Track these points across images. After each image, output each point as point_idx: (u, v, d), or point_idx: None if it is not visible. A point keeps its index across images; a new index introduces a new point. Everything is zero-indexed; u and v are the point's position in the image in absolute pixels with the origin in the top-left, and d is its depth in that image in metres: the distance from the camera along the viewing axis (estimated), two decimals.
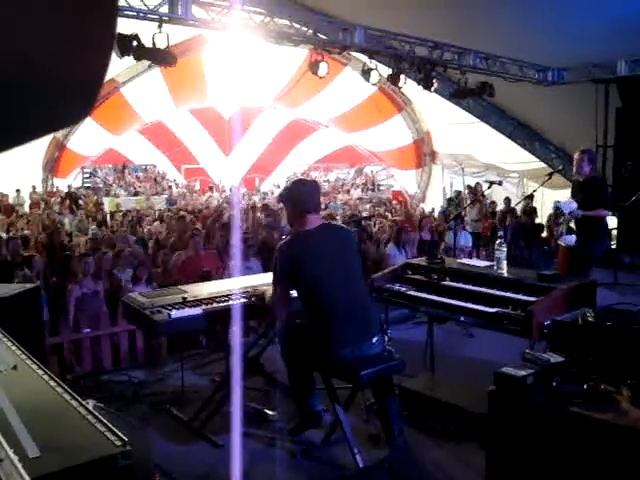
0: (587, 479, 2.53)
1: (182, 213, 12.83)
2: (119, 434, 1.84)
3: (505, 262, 4.66)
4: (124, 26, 7.94)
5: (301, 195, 4.02)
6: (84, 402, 2.11)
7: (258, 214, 12.89)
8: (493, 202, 14.29)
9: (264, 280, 4.74)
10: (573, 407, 2.58)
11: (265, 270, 6.78)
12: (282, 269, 3.95)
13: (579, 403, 2.60)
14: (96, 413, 1.98)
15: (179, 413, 4.78)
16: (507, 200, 13.86)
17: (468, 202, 12.19)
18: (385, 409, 4.16)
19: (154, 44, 7.94)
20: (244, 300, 4.37)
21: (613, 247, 11.02)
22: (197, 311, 4.22)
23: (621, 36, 9.91)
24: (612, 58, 11.37)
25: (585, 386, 2.70)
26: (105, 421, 1.92)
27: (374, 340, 3.98)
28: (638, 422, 2.44)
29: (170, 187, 24.13)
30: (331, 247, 3.98)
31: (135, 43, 7.72)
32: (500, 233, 4.83)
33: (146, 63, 11.02)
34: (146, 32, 7.95)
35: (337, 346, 3.85)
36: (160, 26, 7.87)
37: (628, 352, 2.85)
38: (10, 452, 1.62)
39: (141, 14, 7.73)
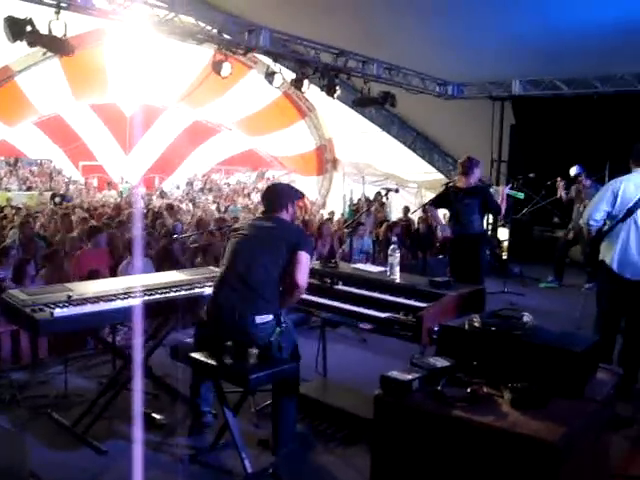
0: None
1: (67, 211, 12.25)
2: None
3: (398, 268, 4.70)
4: (17, 9, 7.52)
5: (271, 194, 4.38)
6: None
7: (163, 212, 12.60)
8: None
9: (154, 280, 4.61)
10: (455, 410, 2.63)
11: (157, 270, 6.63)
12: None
13: (462, 407, 2.64)
14: None
15: (61, 418, 4.57)
16: (406, 209, 14.21)
17: (365, 210, 12.32)
18: (280, 412, 4.08)
19: (50, 31, 7.54)
20: (134, 300, 4.21)
21: (504, 258, 11.51)
22: (83, 310, 4.04)
23: (516, 56, 10.37)
24: (507, 77, 11.87)
25: (468, 390, 2.75)
26: None
27: (258, 318, 3.90)
28: (516, 425, 2.50)
29: (67, 183, 23.18)
30: (264, 235, 4.09)
31: (29, 28, 7.31)
32: (394, 239, 4.88)
33: (43, 51, 10.52)
34: (42, 19, 7.54)
35: (222, 309, 3.94)
36: (58, 12, 7.47)
37: (510, 356, 2.93)
38: None
39: None
